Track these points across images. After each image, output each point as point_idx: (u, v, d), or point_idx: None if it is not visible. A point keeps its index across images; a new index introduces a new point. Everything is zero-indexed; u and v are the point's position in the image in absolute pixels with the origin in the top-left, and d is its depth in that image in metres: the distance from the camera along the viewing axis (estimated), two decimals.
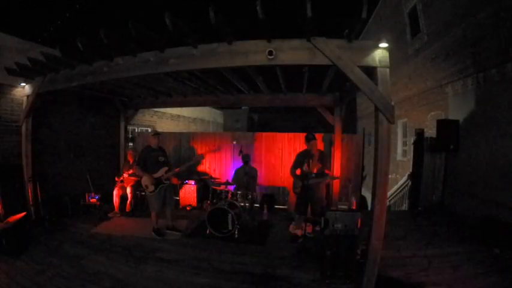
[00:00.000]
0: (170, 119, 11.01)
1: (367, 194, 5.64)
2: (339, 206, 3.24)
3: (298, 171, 4.33)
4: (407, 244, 3.95)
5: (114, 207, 5.42)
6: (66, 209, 5.15)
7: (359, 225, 3.05)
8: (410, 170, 6.42)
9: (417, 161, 6.05)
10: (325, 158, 4.39)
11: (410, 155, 7.03)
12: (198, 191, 6.14)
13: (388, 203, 6.97)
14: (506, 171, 4.18)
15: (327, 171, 4.41)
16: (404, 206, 6.72)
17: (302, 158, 4.29)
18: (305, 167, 4.22)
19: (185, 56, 3.17)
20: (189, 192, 6.15)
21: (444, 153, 5.40)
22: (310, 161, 4.18)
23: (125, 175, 5.56)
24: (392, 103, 2.71)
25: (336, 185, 5.62)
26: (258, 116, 23.59)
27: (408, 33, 7.87)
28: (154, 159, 4.36)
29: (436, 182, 5.76)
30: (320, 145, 5.57)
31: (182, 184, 6.19)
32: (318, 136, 5.04)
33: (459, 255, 3.55)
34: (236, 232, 4.23)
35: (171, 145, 6.95)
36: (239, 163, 5.63)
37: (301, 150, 4.61)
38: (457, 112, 5.50)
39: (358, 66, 2.72)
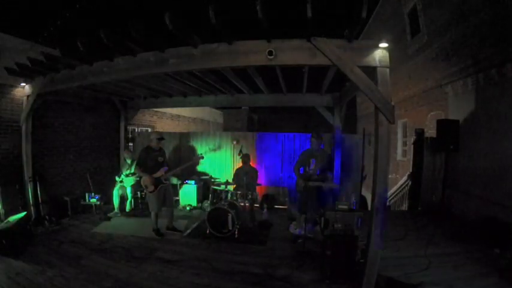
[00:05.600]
0: (170, 119, 11.01)
1: (367, 194, 5.64)
2: (339, 206, 3.23)
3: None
4: (407, 244, 3.95)
5: (114, 207, 5.42)
6: (66, 209, 5.15)
7: (359, 225, 3.06)
8: (410, 170, 6.42)
9: (417, 161, 6.05)
10: (329, 159, 4.39)
11: (410, 155, 7.02)
12: (198, 191, 6.14)
13: (388, 203, 6.97)
14: (506, 172, 4.18)
15: (329, 174, 4.41)
16: (404, 206, 6.72)
17: (306, 157, 4.29)
18: (308, 167, 4.22)
19: (185, 56, 3.17)
20: (189, 192, 6.15)
21: (444, 153, 5.39)
22: (314, 160, 4.18)
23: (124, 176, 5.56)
24: (392, 103, 2.72)
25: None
26: (258, 116, 23.56)
27: (408, 33, 7.87)
28: (154, 159, 4.37)
29: (436, 182, 5.75)
30: None
31: (182, 184, 6.19)
32: None
33: (459, 255, 3.55)
34: (236, 232, 4.23)
35: (171, 145, 6.95)
36: (239, 163, 5.63)
37: (302, 150, 4.60)
38: (457, 112, 5.50)
39: (358, 66, 2.72)
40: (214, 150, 6.82)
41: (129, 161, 5.70)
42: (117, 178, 5.61)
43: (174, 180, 5.77)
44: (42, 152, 5.30)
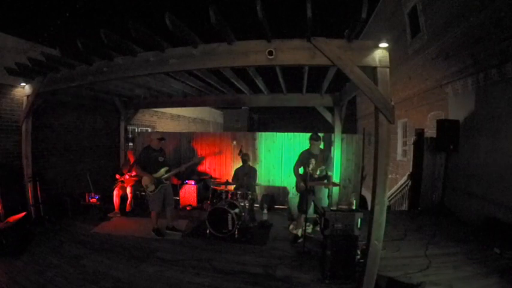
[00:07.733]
0: (170, 119, 11.01)
1: (367, 194, 5.65)
2: (339, 206, 3.23)
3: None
4: (407, 244, 3.95)
5: (114, 207, 5.42)
6: (66, 209, 5.15)
7: (359, 225, 3.05)
8: (410, 170, 6.42)
9: (417, 161, 6.06)
10: (328, 159, 4.39)
11: (410, 155, 7.03)
12: (198, 191, 6.14)
13: (388, 203, 6.96)
14: (506, 172, 4.18)
15: (329, 174, 4.41)
16: (404, 206, 6.72)
17: (305, 157, 4.29)
18: (307, 167, 4.22)
19: (185, 56, 3.17)
20: (189, 192, 6.15)
21: (444, 153, 5.39)
22: (313, 160, 4.18)
23: (126, 176, 5.55)
24: (392, 103, 2.71)
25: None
26: (258, 116, 23.60)
27: (408, 33, 7.87)
28: (154, 159, 4.37)
29: (436, 182, 5.76)
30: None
31: (182, 184, 6.19)
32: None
33: (459, 255, 3.56)
34: (236, 232, 4.22)
35: (171, 145, 6.95)
36: (239, 163, 5.63)
37: (302, 150, 4.61)
38: (457, 112, 5.50)
39: (358, 66, 2.71)
40: (215, 153, 6.81)
41: (131, 161, 5.63)
42: (118, 176, 5.59)
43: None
44: (42, 152, 5.30)
